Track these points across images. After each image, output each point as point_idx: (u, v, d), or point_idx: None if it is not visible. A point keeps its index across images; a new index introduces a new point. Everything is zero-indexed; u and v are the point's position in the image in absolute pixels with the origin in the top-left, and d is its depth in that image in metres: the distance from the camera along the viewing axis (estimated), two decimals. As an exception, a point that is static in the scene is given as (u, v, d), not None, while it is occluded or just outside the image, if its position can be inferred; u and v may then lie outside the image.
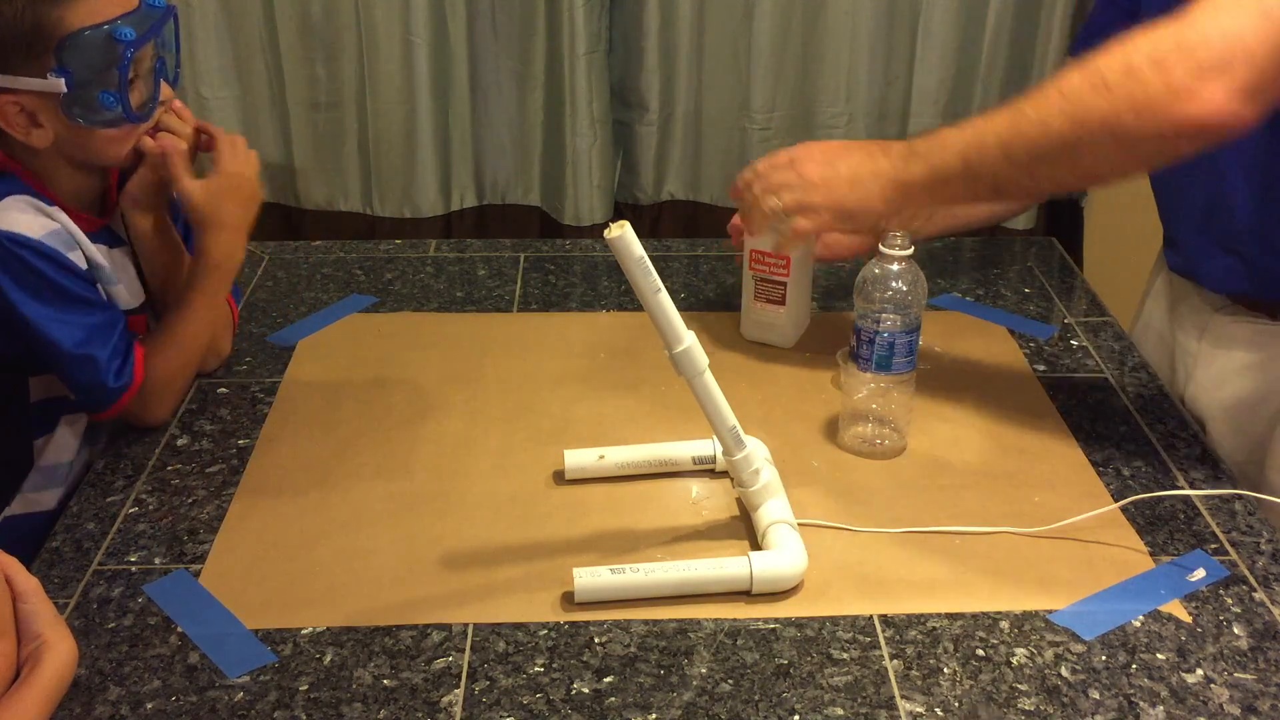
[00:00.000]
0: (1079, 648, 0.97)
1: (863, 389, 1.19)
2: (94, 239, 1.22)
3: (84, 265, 1.18)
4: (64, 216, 1.18)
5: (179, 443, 1.22)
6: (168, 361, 1.22)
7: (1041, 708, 0.91)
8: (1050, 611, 1.00)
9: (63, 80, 1.09)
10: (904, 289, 1.14)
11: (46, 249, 1.14)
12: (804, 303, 1.38)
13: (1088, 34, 1.38)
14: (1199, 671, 0.95)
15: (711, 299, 1.50)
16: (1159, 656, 0.96)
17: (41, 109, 1.12)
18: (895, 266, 1.15)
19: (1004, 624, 0.99)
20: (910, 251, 1.15)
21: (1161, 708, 0.91)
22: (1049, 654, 0.96)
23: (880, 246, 1.15)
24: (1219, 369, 1.29)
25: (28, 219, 1.14)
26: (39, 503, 1.25)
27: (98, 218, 1.25)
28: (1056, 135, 1.03)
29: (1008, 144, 1.05)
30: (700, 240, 1.69)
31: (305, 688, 0.93)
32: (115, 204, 1.25)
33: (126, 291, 1.26)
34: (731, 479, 1.11)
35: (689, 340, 1.00)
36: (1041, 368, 1.35)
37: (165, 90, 1.19)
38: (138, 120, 1.16)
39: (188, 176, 1.21)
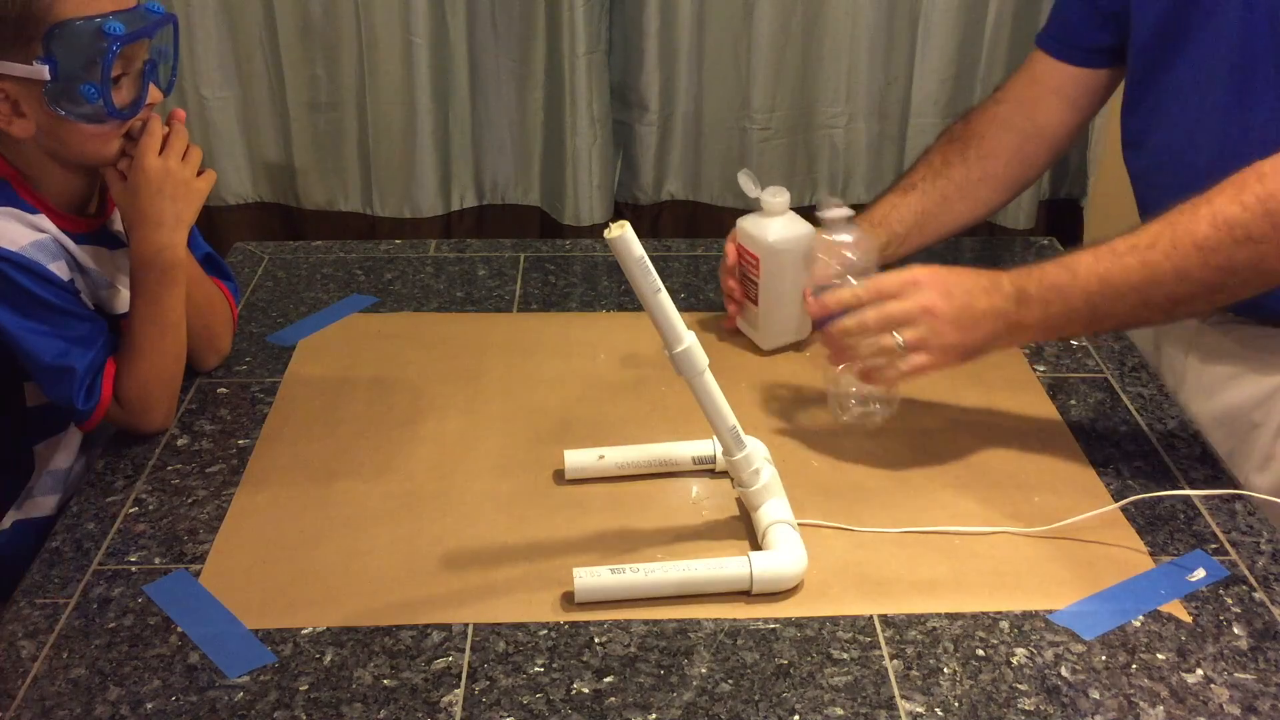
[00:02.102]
0: (1079, 648, 0.97)
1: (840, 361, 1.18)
2: (87, 240, 1.22)
3: (67, 276, 1.18)
4: (49, 224, 1.17)
5: (179, 443, 1.22)
6: (138, 374, 1.20)
7: (1041, 708, 0.91)
8: (1050, 611, 1.00)
9: (47, 68, 1.09)
10: (853, 258, 1.15)
11: (26, 261, 1.13)
12: (786, 310, 1.35)
13: (1053, 29, 1.38)
14: (1199, 671, 0.95)
15: (711, 299, 1.49)
16: (1159, 656, 0.96)
17: (25, 97, 1.11)
18: (842, 236, 1.16)
19: (1004, 624, 0.99)
20: (850, 214, 1.15)
21: (1161, 708, 0.91)
22: (1049, 654, 0.96)
23: (819, 215, 1.16)
24: (1209, 379, 1.29)
25: (9, 230, 1.14)
26: (41, 507, 1.25)
27: (94, 218, 1.24)
28: (1200, 283, 1.06)
29: (1146, 295, 1.07)
30: (700, 240, 1.69)
31: (305, 688, 0.93)
32: (113, 205, 1.25)
33: (122, 294, 1.26)
34: (731, 479, 1.11)
35: (689, 340, 1.00)
36: (1041, 368, 1.35)
37: (154, 94, 1.18)
38: (118, 117, 1.15)
39: (117, 178, 1.19)
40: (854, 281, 1.13)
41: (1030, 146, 1.40)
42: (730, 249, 1.36)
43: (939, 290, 1.10)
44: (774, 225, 1.31)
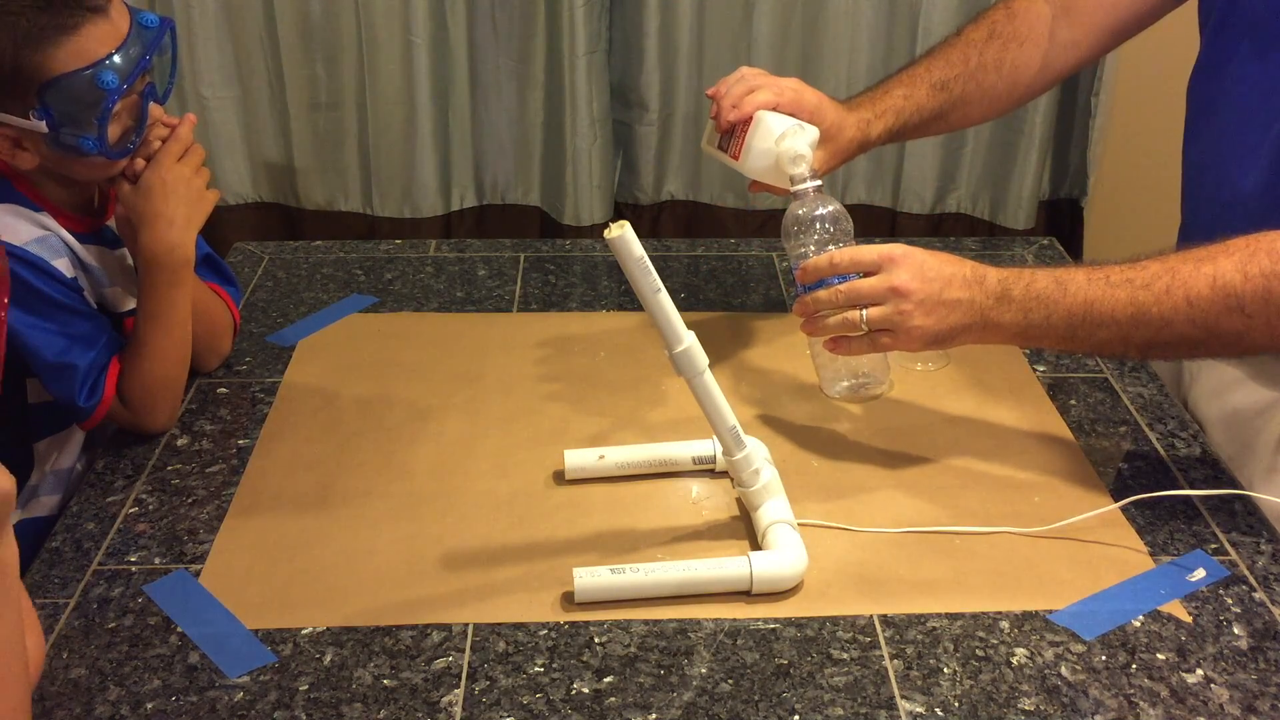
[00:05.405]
0: (1079, 648, 0.97)
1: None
2: (89, 239, 1.22)
3: (70, 273, 1.18)
4: (53, 222, 1.18)
5: (179, 443, 1.22)
6: (142, 374, 1.20)
7: (1041, 708, 0.91)
8: (1050, 611, 1.00)
9: (44, 122, 1.09)
10: (827, 214, 1.14)
11: (30, 256, 1.14)
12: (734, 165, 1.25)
13: None
14: (1199, 671, 0.95)
15: (711, 299, 1.50)
16: (1159, 656, 0.96)
17: (25, 138, 1.12)
18: (814, 204, 1.15)
19: (1004, 624, 0.99)
20: (819, 183, 1.15)
21: (1161, 708, 0.91)
22: (1049, 654, 0.96)
23: (792, 189, 1.15)
24: (1217, 380, 1.28)
25: (13, 226, 1.14)
26: (45, 506, 1.25)
27: (95, 218, 1.25)
28: (1181, 336, 1.04)
29: (1127, 332, 1.05)
30: (700, 240, 1.69)
31: (305, 688, 0.93)
32: (114, 202, 1.25)
33: (123, 293, 1.26)
34: (731, 479, 1.11)
35: (689, 340, 1.00)
36: (1041, 368, 1.35)
37: (155, 112, 1.18)
38: (119, 158, 1.16)
39: (125, 180, 1.19)
40: (833, 249, 1.12)
41: (1058, 62, 1.34)
42: (744, 109, 1.21)
43: (912, 271, 1.07)
44: (762, 159, 1.21)
